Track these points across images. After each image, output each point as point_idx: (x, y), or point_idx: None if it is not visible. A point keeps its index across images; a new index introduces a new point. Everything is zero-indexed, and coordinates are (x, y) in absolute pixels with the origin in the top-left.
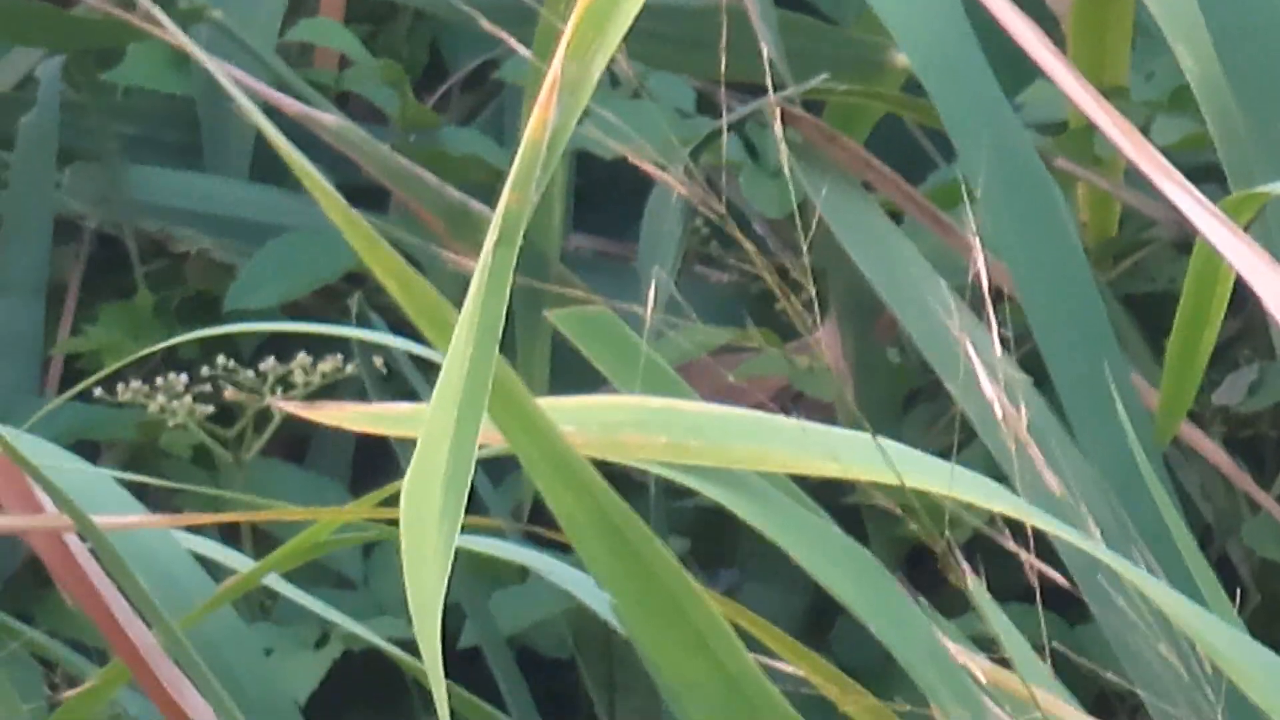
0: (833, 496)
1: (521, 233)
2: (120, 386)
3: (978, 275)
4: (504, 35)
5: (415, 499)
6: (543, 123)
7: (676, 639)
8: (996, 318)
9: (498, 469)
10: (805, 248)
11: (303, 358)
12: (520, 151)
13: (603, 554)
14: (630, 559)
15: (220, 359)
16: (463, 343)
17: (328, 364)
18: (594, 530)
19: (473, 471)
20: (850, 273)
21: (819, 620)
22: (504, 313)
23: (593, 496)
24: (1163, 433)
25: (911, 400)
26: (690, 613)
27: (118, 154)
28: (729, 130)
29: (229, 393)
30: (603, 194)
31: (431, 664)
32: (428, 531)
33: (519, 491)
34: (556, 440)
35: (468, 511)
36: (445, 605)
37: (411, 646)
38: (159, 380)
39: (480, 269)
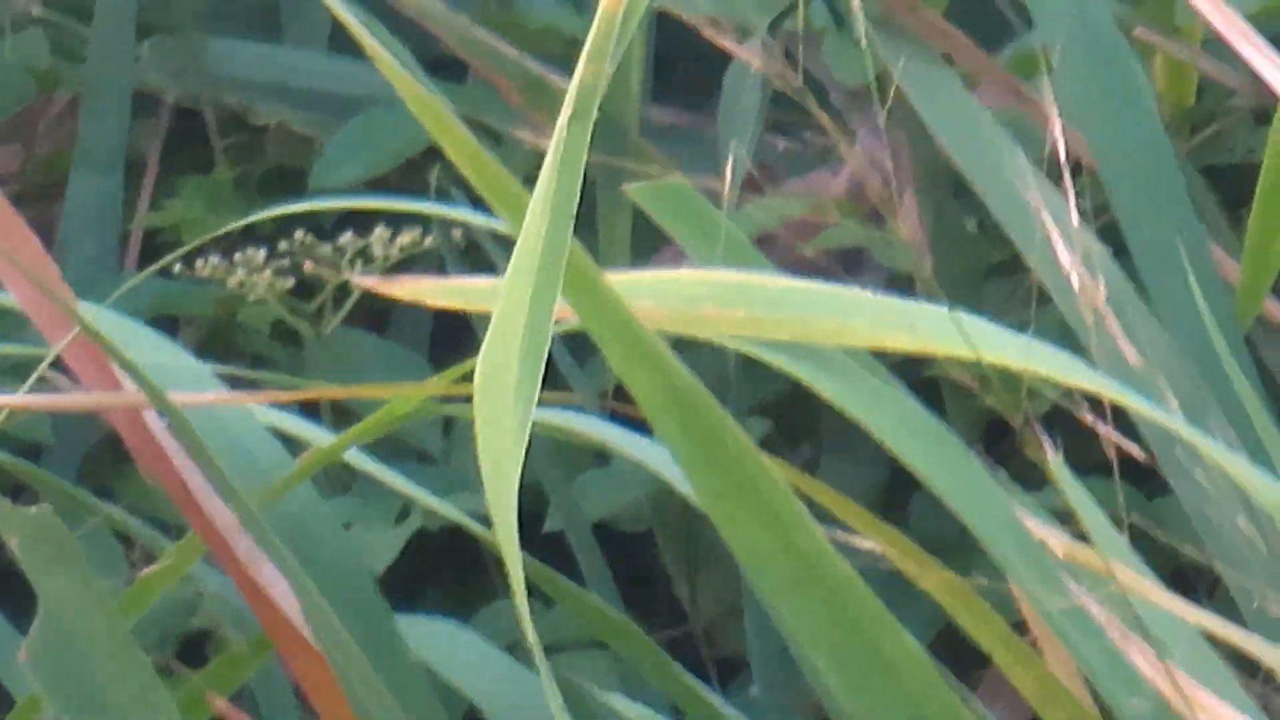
0: (911, 371)
1: (596, 107)
2: (200, 262)
3: (1055, 146)
4: None
5: (490, 373)
6: None
7: (750, 516)
8: (1074, 189)
9: (583, 349)
10: (883, 119)
11: (381, 231)
12: (596, 22)
13: (676, 429)
14: (702, 433)
15: (299, 233)
16: (538, 217)
17: (406, 237)
18: (666, 405)
19: (549, 345)
20: (928, 144)
21: (896, 496)
22: (579, 187)
23: (663, 373)
24: (1245, 309)
25: (990, 273)
26: (764, 489)
27: (196, 26)
28: None
29: (308, 266)
30: (681, 62)
31: (505, 533)
32: (503, 405)
33: (604, 371)
34: (627, 316)
35: (551, 389)
36: (527, 489)
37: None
38: (238, 255)
39: (555, 144)
